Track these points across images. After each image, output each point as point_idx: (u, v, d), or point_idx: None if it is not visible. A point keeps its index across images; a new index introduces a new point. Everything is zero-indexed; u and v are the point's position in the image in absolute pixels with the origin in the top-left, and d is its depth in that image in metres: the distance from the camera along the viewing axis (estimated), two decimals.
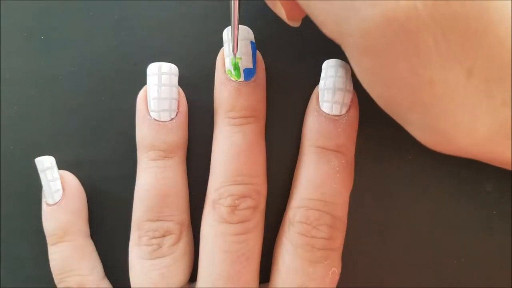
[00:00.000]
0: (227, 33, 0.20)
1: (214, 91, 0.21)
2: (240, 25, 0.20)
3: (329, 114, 0.20)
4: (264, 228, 0.21)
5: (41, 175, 0.21)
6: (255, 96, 0.20)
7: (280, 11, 0.16)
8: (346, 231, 0.20)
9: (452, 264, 0.21)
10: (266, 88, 0.21)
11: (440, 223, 0.21)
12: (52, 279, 0.21)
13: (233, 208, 0.19)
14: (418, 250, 0.22)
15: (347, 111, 0.20)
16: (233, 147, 0.20)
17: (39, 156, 0.21)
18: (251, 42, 0.20)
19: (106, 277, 0.22)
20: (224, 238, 0.19)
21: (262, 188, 0.20)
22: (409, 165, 0.21)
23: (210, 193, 0.20)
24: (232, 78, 0.20)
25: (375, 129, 0.21)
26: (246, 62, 0.20)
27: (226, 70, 0.20)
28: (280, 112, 0.22)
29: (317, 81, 0.21)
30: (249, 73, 0.20)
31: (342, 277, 0.20)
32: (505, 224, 0.21)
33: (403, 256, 0.22)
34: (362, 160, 0.21)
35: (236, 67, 0.20)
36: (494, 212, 0.21)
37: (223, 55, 0.20)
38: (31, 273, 0.23)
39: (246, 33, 0.20)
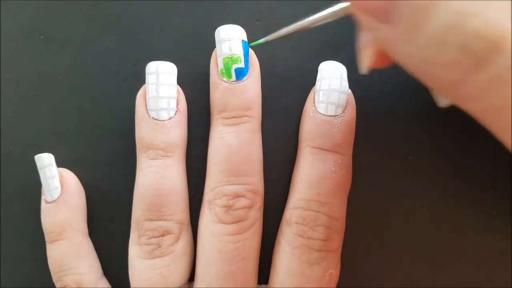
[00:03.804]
0: (219, 34, 0.20)
1: (210, 92, 0.21)
2: (231, 24, 0.20)
3: (324, 114, 0.20)
4: (265, 228, 0.21)
5: (40, 172, 0.21)
6: (248, 95, 0.20)
7: (366, 57, 0.15)
8: (346, 232, 0.20)
9: (452, 264, 0.21)
10: (264, 89, 0.21)
11: (440, 223, 0.21)
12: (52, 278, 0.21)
13: (228, 208, 0.19)
14: (418, 250, 0.21)
15: (343, 112, 0.20)
16: (226, 147, 0.20)
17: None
18: (243, 41, 0.20)
19: (104, 276, 0.22)
20: (219, 238, 0.19)
21: (258, 187, 0.20)
22: (409, 165, 0.21)
23: (206, 194, 0.20)
24: (224, 78, 0.20)
25: (375, 129, 0.21)
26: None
27: (219, 70, 0.20)
28: (280, 112, 0.22)
29: (315, 82, 0.21)
30: (240, 73, 0.20)
31: (342, 277, 0.20)
32: (505, 224, 0.21)
33: (403, 256, 0.21)
34: (362, 160, 0.21)
35: (227, 66, 0.20)
36: (494, 212, 0.21)
37: (216, 55, 0.20)
38: (31, 273, 0.23)
39: (237, 32, 0.20)
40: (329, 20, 0.15)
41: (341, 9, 0.15)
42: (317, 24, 0.16)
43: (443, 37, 0.10)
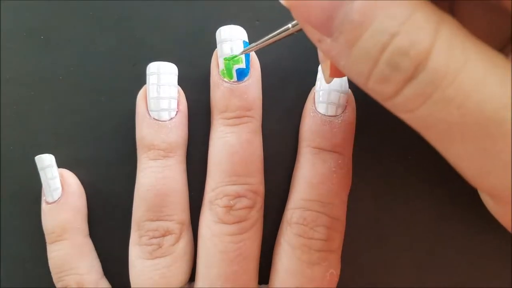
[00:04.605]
0: (220, 34, 0.20)
1: (210, 92, 0.21)
2: (232, 25, 0.20)
3: (324, 114, 0.20)
4: (265, 228, 0.21)
5: (41, 173, 0.21)
6: (249, 96, 0.20)
7: (326, 68, 0.17)
8: (346, 232, 0.20)
9: (452, 264, 0.21)
10: (264, 89, 0.21)
11: (440, 223, 0.21)
12: (52, 278, 0.21)
13: (229, 208, 0.19)
14: (418, 250, 0.21)
15: (343, 112, 0.20)
16: (228, 147, 0.20)
17: (39, 155, 0.21)
18: (244, 42, 0.20)
19: (104, 276, 0.22)
20: (221, 238, 0.19)
21: (259, 187, 0.20)
22: (409, 165, 0.21)
23: (206, 194, 0.20)
24: (225, 79, 0.20)
25: (375, 129, 0.21)
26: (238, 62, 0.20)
27: (220, 70, 0.20)
28: (280, 112, 0.22)
29: (315, 82, 0.21)
30: (241, 73, 0.20)
31: (342, 278, 0.20)
32: None
33: (403, 256, 0.22)
34: (362, 160, 0.21)
35: (228, 67, 0.20)
36: None
37: (217, 56, 0.20)
38: (31, 273, 0.23)
39: (238, 32, 0.20)
40: (286, 35, 0.17)
41: (294, 26, 0.16)
42: (276, 40, 0.17)
43: (375, 53, 0.11)
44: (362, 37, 0.11)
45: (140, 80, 0.21)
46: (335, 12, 0.12)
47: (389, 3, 0.11)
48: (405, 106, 0.12)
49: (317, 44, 0.13)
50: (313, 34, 0.13)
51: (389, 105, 0.12)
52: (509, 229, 0.15)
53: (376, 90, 0.12)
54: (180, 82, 0.21)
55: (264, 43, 0.18)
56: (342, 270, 0.20)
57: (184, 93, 0.21)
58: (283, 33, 0.17)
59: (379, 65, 0.12)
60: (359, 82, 0.13)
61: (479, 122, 0.11)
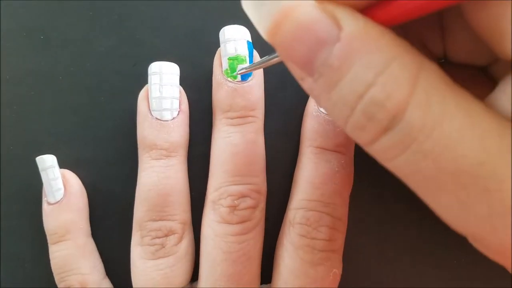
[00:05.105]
0: (224, 34, 0.20)
1: (212, 92, 0.21)
2: (236, 25, 0.20)
3: (327, 114, 0.20)
4: (266, 228, 0.21)
5: (42, 174, 0.21)
6: (252, 95, 0.20)
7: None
8: (347, 231, 0.20)
9: (452, 264, 0.21)
10: (266, 89, 0.21)
11: (440, 223, 0.21)
12: (53, 278, 0.21)
13: (233, 208, 0.19)
14: (418, 250, 0.22)
15: None
16: (231, 147, 0.20)
17: (39, 155, 0.21)
18: (248, 42, 0.20)
19: (107, 277, 0.22)
20: (224, 238, 0.19)
21: (262, 187, 0.20)
22: None
23: (209, 194, 0.20)
24: (228, 78, 0.20)
25: None
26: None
27: (223, 70, 0.20)
28: (281, 112, 0.22)
29: None
30: (245, 73, 0.20)
31: (343, 277, 0.20)
32: None
33: (403, 256, 0.22)
34: (362, 160, 0.21)
35: (232, 67, 0.20)
36: None
37: (220, 55, 0.20)
38: (31, 273, 0.23)
39: (242, 32, 0.20)
40: (273, 64, 0.16)
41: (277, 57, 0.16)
42: (266, 66, 0.17)
43: (351, 101, 0.11)
44: (340, 83, 0.11)
45: (140, 80, 0.21)
46: (316, 54, 0.12)
47: (367, 50, 0.11)
48: (383, 154, 0.12)
49: (300, 82, 0.13)
50: (296, 72, 0.13)
51: (369, 150, 0.12)
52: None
53: (354, 135, 0.12)
54: (181, 82, 0.21)
55: (263, 64, 0.17)
56: (343, 270, 0.20)
57: (185, 93, 0.21)
58: (274, 59, 0.16)
59: (356, 113, 0.11)
60: (339, 124, 0.12)
61: (455, 176, 0.11)
